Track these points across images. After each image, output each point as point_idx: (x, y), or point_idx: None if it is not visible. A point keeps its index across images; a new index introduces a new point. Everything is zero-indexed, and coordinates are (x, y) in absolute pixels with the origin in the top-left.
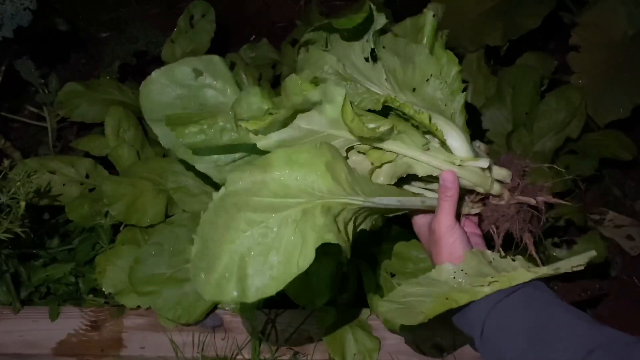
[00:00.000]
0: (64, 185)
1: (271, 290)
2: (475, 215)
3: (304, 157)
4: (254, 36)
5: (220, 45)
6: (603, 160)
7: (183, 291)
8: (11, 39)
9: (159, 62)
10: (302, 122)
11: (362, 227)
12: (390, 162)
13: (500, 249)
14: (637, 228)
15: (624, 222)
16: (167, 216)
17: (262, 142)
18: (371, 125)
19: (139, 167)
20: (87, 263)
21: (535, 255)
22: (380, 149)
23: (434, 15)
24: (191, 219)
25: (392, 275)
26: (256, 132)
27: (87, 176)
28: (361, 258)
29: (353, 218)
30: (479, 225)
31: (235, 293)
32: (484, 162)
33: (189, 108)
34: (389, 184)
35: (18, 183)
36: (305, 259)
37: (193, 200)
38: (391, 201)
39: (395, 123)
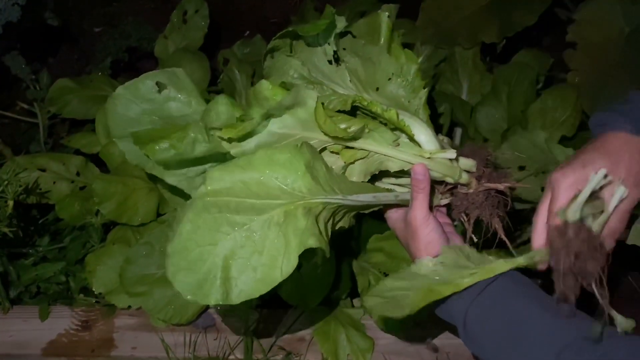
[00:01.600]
0: (54, 183)
1: (255, 294)
2: (444, 205)
3: (285, 157)
4: (247, 32)
5: (214, 41)
6: None
7: (174, 291)
8: (0, 34)
9: (151, 58)
10: (275, 126)
11: (340, 224)
12: (362, 159)
13: (473, 236)
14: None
15: None
16: (158, 215)
17: (236, 150)
18: (342, 126)
19: (130, 166)
20: (78, 262)
21: (505, 238)
22: (352, 148)
23: (388, 16)
24: None
25: (385, 275)
26: (230, 140)
27: (77, 174)
28: (354, 257)
29: (332, 216)
30: (449, 215)
31: (218, 295)
32: (452, 153)
33: (155, 122)
34: (362, 181)
35: (5, 181)
36: (288, 264)
37: (185, 199)
38: (367, 197)
39: (365, 122)
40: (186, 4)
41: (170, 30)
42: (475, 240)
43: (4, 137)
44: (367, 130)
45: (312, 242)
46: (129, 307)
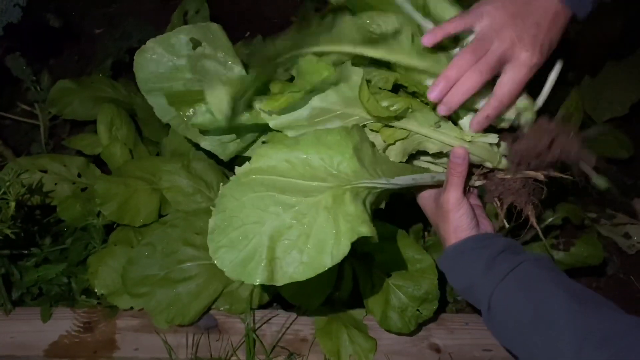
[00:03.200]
0: (55, 184)
1: (301, 277)
2: (476, 187)
3: (334, 139)
4: (248, 33)
5: None
6: (600, 157)
7: (176, 292)
8: (1, 35)
9: None
10: (317, 101)
11: (378, 207)
12: (402, 139)
13: (505, 222)
14: (634, 226)
15: (621, 221)
16: (160, 216)
17: (275, 122)
18: (385, 104)
19: (131, 166)
20: (80, 263)
21: (537, 226)
22: (392, 127)
23: None
24: (184, 219)
25: (388, 275)
26: (270, 113)
27: (79, 175)
28: (356, 257)
29: (375, 200)
30: (480, 196)
31: (263, 276)
32: (493, 138)
33: (187, 80)
34: (400, 161)
35: (7, 183)
36: (339, 250)
37: (187, 200)
38: (407, 180)
39: (409, 101)
40: (187, 5)
41: (171, 30)
42: (507, 226)
43: (5, 138)
44: (410, 111)
45: (364, 230)
46: (131, 308)
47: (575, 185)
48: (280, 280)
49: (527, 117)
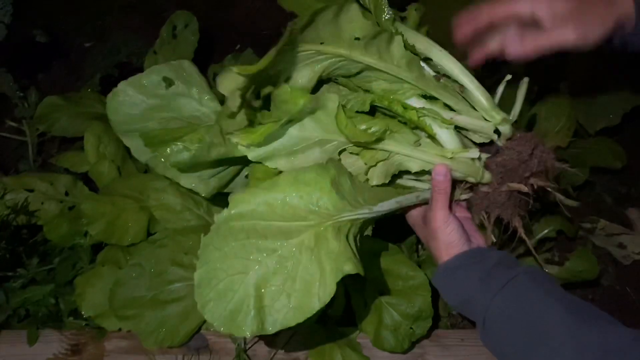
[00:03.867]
0: (42, 203)
1: (291, 322)
2: (463, 200)
3: (310, 176)
4: (238, 45)
5: (205, 55)
6: (594, 167)
7: (165, 314)
8: None
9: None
10: (294, 130)
11: (365, 234)
12: (383, 160)
13: (492, 236)
14: (628, 236)
15: (615, 231)
16: (149, 234)
17: (253, 154)
18: (363, 127)
19: (119, 184)
20: (68, 283)
21: (525, 238)
22: (372, 148)
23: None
24: (173, 238)
25: (381, 293)
26: (248, 145)
27: (66, 193)
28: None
29: (359, 231)
30: (468, 209)
31: (253, 327)
32: (474, 153)
33: (163, 120)
34: (383, 183)
35: None
36: (325, 291)
37: (175, 218)
38: (391, 204)
39: (386, 123)
40: (175, 19)
41: (159, 45)
42: (495, 240)
43: None
44: (388, 132)
45: (348, 268)
46: (120, 329)
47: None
48: (270, 329)
49: (504, 131)
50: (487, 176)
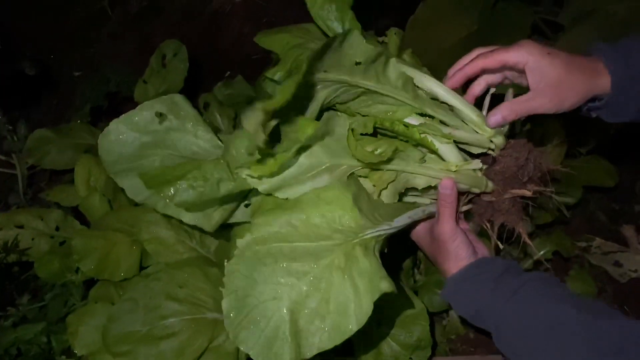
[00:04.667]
0: (32, 239)
1: (328, 345)
2: (462, 212)
3: (332, 194)
4: (228, 72)
5: (195, 82)
6: (586, 186)
7: (160, 350)
8: None
9: (131, 102)
10: (303, 158)
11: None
12: (392, 181)
13: (499, 243)
14: (624, 254)
15: (611, 249)
16: (142, 268)
17: (264, 186)
18: (369, 149)
19: (110, 218)
20: (60, 321)
21: (529, 242)
22: (379, 169)
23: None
24: (166, 271)
25: (379, 324)
26: (260, 177)
27: (57, 228)
28: None
29: (381, 248)
30: (467, 220)
31: (292, 353)
32: (477, 164)
33: (157, 156)
34: (393, 202)
35: None
36: (362, 311)
37: (168, 251)
38: (404, 220)
39: (391, 143)
40: (165, 48)
41: (149, 74)
42: (502, 247)
43: None
44: (395, 151)
45: (385, 287)
46: None
47: (562, 215)
48: (308, 354)
49: (498, 141)
50: (490, 185)
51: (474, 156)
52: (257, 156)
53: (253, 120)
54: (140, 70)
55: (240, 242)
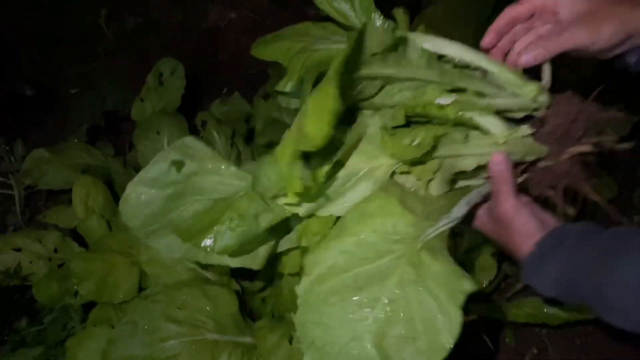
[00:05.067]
0: (31, 262)
1: None
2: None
3: (375, 205)
4: (225, 89)
5: (192, 98)
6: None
7: None
8: None
9: (129, 121)
10: (340, 170)
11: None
12: (438, 169)
13: (567, 209)
14: None
15: None
16: (140, 289)
17: (304, 210)
18: (406, 142)
19: (109, 240)
20: (59, 344)
21: (598, 200)
22: (422, 162)
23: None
24: (166, 293)
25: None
26: (300, 203)
27: (55, 250)
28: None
29: (448, 245)
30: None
31: None
32: (525, 130)
33: (185, 205)
34: (447, 192)
35: None
36: (451, 321)
37: (167, 272)
38: (462, 207)
39: (427, 129)
40: (162, 66)
41: (146, 92)
42: (571, 213)
43: None
44: (435, 138)
45: (468, 287)
46: None
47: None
48: None
49: (543, 100)
50: (544, 149)
51: (518, 122)
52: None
53: (285, 151)
54: (137, 87)
55: (300, 290)
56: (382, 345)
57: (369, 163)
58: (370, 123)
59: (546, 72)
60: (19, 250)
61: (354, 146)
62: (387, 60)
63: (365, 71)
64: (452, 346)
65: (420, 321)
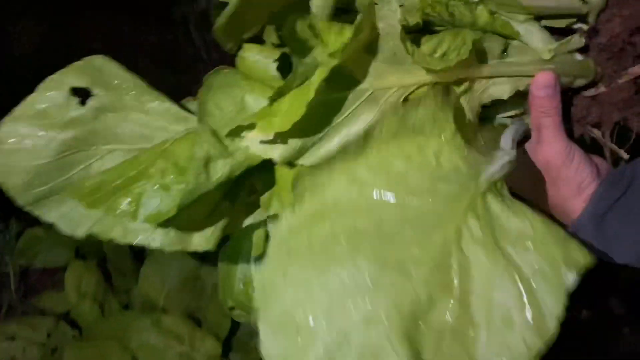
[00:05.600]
0: (24, 349)
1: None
2: None
3: (424, 114)
4: None
5: None
6: None
7: None
8: None
9: None
10: None
11: None
12: (465, 92)
13: (622, 152)
14: None
15: None
16: None
17: (280, 152)
18: (425, 50)
19: (101, 326)
20: None
21: None
22: (444, 82)
23: None
24: None
25: None
26: (274, 140)
27: (48, 334)
28: None
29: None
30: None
31: None
32: (579, 41)
33: (92, 157)
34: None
35: None
36: (545, 317)
37: (158, 357)
38: (508, 140)
39: (453, 36)
40: None
41: None
42: (627, 157)
43: None
44: (465, 48)
45: (581, 258)
46: None
47: None
48: None
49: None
50: (599, 70)
51: (561, 33)
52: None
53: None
54: None
55: (275, 233)
56: (414, 342)
57: (375, 82)
58: (381, 16)
59: None
60: (12, 339)
61: (357, 52)
62: None
63: None
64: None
65: (490, 305)
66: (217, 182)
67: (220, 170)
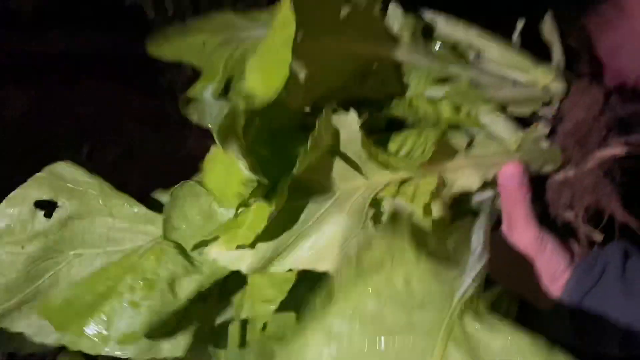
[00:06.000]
0: None
1: None
2: None
3: (370, 251)
4: None
5: None
6: None
7: None
8: None
9: None
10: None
11: None
12: (435, 189)
13: (595, 234)
14: None
15: None
16: None
17: (248, 264)
18: (391, 149)
19: None
20: None
21: (630, 221)
22: (410, 178)
23: None
24: None
25: None
26: (242, 247)
27: None
28: None
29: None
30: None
31: None
32: (543, 128)
33: (59, 264)
34: (454, 223)
35: None
36: None
37: None
38: (479, 239)
39: (417, 133)
40: None
41: None
42: (598, 239)
43: None
44: (429, 144)
45: None
46: None
47: None
48: None
49: (559, 88)
50: (566, 155)
51: (525, 122)
52: (228, 217)
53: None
54: None
55: None
56: None
57: (341, 183)
58: (341, 124)
59: (556, 50)
60: None
61: (319, 159)
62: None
63: None
64: None
65: None
66: (185, 299)
67: (187, 288)
